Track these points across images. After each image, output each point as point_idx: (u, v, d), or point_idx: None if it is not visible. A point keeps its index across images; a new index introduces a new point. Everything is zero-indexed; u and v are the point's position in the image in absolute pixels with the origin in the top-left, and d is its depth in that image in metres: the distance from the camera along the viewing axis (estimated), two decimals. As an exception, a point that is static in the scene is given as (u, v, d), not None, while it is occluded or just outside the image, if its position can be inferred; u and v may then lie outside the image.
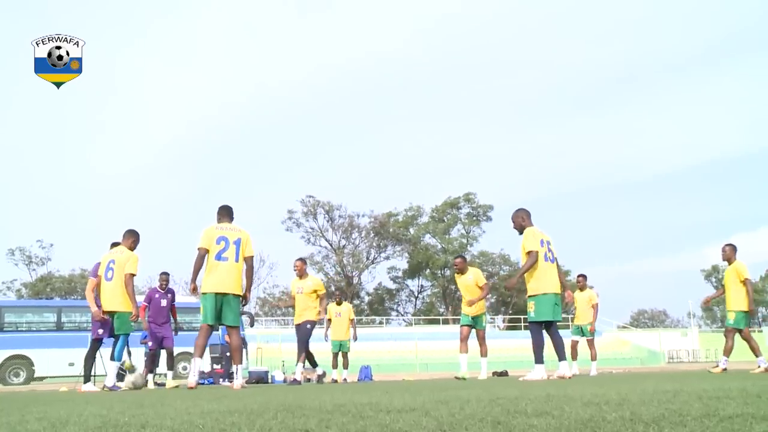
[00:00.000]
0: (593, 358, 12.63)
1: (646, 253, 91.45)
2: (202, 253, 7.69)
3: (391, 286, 64.23)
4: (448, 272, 61.99)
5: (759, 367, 10.03)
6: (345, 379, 13.54)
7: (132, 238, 9.26)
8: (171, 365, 11.35)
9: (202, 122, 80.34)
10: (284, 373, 17.08)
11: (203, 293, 7.69)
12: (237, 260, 7.76)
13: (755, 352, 10.18)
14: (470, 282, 10.72)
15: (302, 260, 11.27)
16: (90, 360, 9.36)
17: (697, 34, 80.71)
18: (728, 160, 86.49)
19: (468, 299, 10.67)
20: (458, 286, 11.06)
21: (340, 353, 13.70)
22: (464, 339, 10.74)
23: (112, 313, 8.99)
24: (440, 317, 57.27)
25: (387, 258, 61.89)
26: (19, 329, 22.35)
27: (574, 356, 12.68)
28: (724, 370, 10.17)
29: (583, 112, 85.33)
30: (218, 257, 7.67)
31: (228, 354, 14.89)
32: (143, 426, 2.38)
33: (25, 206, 74.95)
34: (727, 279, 10.41)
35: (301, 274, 11.12)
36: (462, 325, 10.80)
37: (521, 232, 8.19)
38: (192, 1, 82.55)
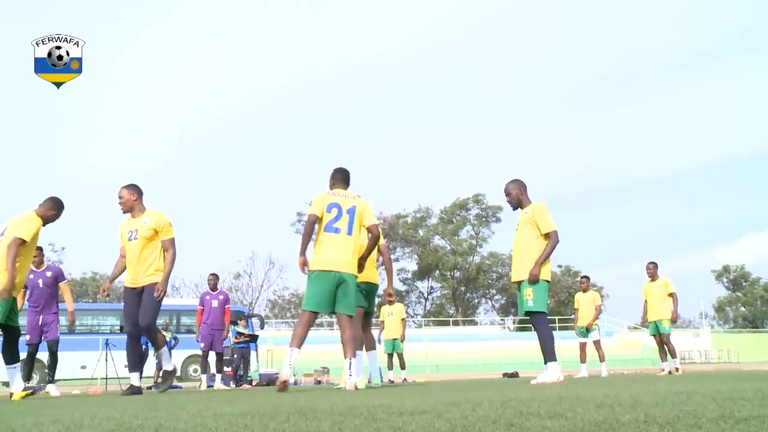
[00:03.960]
0: (601, 359, 12.68)
1: (655, 254, 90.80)
2: (312, 220, 6.35)
3: (401, 287, 64.27)
4: (458, 273, 61.96)
5: (668, 370, 11.34)
6: (405, 379, 13.34)
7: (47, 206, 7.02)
8: (220, 368, 11.42)
9: (209, 122, 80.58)
10: (294, 376, 17.11)
11: (309, 271, 6.31)
12: (350, 233, 6.34)
13: (665, 356, 11.52)
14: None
15: (130, 187, 7.33)
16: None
17: (708, 29, 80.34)
18: (738, 160, 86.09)
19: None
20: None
21: (395, 354, 13.65)
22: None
23: None
24: (450, 319, 57.26)
25: (396, 260, 61.89)
26: (31, 332, 22.48)
27: (583, 358, 12.72)
28: (670, 372, 11.34)
29: (591, 111, 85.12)
30: (328, 228, 6.31)
31: (238, 356, 14.90)
32: (156, 429, 2.38)
33: (36, 210, 75.37)
34: (659, 292, 11.54)
35: (131, 208, 7.26)
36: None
37: (516, 208, 7.07)
38: (193, 1, 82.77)
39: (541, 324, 6.76)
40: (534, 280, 6.66)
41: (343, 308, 6.30)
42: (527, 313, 6.80)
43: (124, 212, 7.26)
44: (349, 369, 6.20)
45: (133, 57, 77.90)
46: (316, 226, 6.40)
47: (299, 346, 6.18)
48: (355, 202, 6.49)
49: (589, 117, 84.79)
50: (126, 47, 79.27)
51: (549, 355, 6.65)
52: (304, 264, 6.36)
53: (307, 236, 6.45)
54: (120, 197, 7.24)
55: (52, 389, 8.94)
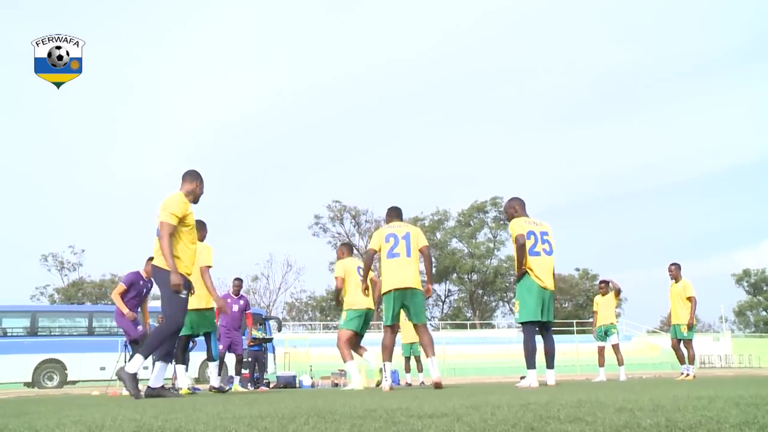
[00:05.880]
0: (620, 363, 12.54)
1: (675, 257, 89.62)
2: (371, 254, 7.58)
3: (418, 290, 64.16)
4: (475, 277, 61.75)
5: (688, 374, 11.01)
6: (422, 383, 13.34)
7: (202, 231, 8.19)
8: (238, 371, 11.52)
9: (228, 127, 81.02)
10: (312, 378, 17.14)
11: (383, 293, 7.45)
12: (409, 255, 7.36)
13: (682, 360, 11.31)
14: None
15: None
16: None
17: (729, 34, 79.52)
18: (759, 163, 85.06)
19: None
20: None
21: (412, 357, 13.67)
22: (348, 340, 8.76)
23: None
24: (467, 322, 57.06)
25: (414, 262, 61.82)
26: (52, 334, 22.77)
27: (601, 362, 12.62)
28: (694, 376, 11.08)
29: (610, 116, 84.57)
30: (390, 255, 7.35)
31: (251, 359, 14.95)
32: (176, 430, 2.40)
33: (57, 213, 76.26)
34: (679, 295, 11.28)
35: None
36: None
37: None
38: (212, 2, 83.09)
39: (523, 333, 7.37)
40: (516, 281, 7.47)
41: (416, 318, 7.45)
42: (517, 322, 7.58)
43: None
44: (434, 366, 7.41)
45: (151, 59, 78.54)
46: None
47: (390, 359, 7.62)
48: (409, 228, 7.57)
49: (609, 121, 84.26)
50: (140, 49, 79.86)
51: (527, 362, 7.14)
52: (366, 290, 7.80)
53: (367, 268, 7.69)
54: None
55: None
